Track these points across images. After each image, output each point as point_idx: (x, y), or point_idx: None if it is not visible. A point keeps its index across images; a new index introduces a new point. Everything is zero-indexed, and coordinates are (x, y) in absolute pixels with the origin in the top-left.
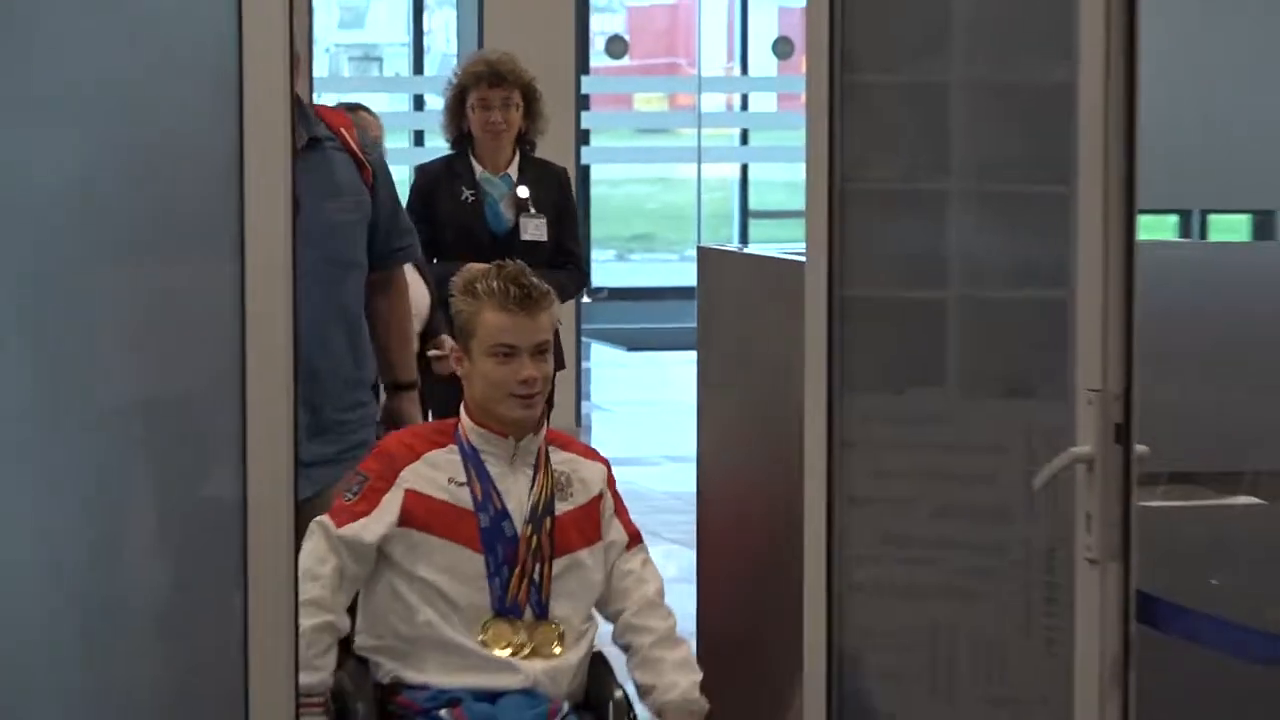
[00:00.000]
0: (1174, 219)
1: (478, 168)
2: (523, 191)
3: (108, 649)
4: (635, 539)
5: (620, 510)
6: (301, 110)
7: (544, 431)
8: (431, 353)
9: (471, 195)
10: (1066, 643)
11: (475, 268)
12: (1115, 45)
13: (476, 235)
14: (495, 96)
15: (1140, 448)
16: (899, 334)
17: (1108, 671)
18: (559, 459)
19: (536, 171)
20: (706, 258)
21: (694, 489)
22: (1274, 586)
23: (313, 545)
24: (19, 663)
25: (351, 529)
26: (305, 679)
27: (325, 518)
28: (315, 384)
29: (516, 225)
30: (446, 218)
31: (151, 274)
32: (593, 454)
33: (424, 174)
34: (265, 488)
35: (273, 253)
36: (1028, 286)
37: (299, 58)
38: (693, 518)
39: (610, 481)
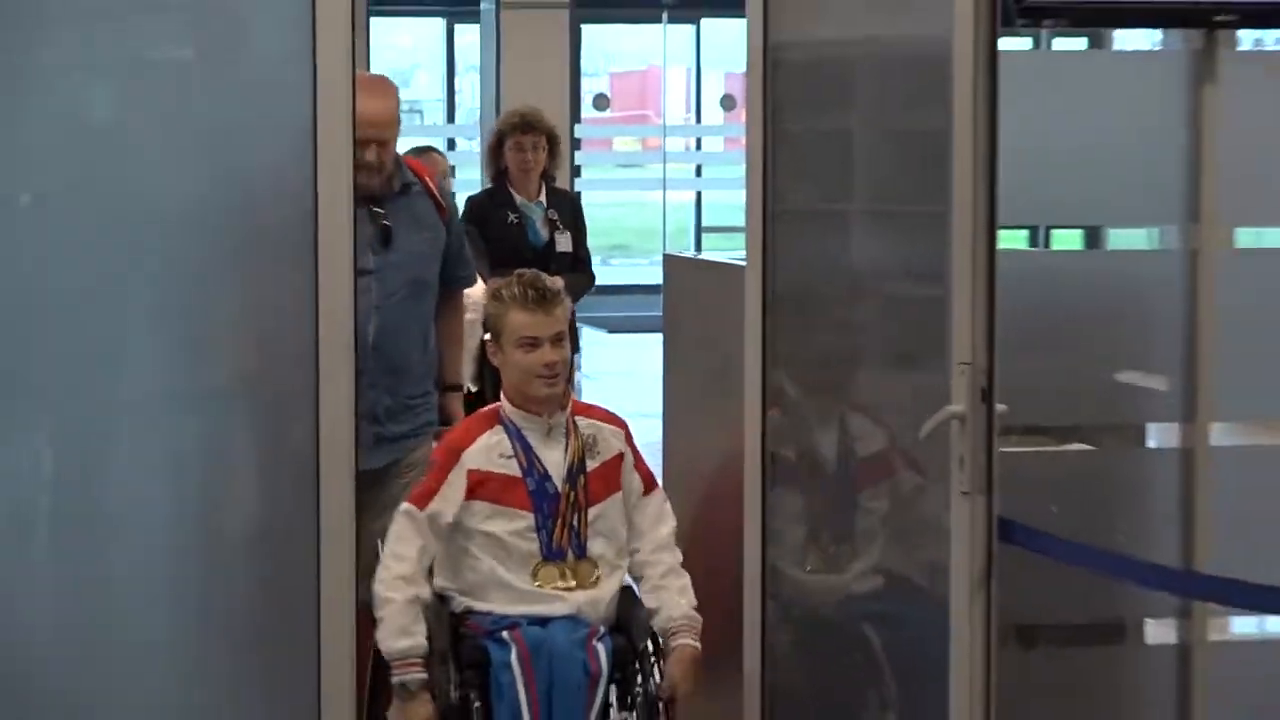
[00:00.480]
0: (1024, 233)
1: (516, 197)
2: (552, 214)
3: (216, 558)
4: (651, 484)
5: (639, 462)
6: (398, 163)
7: (570, 405)
8: None
9: (515, 218)
10: (945, 555)
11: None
12: (980, 102)
13: (522, 250)
14: (527, 141)
15: (1000, 406)
16: (816, 320)
17: (976, 578)
18: (585, 424)
19: (557, 197)
20: (670, 262)
21: (660, 438)
22: (1099, 511)
23: (398, 529)
24: (149, 572)
25: (432, 508)
26: (404, 643)
27: (408, 505)
28: (396, 376)
29: (550, 240)
30: (497, 237)
31: (253, 279)
32: (612, 418)
33: (473, 203)
34: (332, 438)
35: (339, 266)
36: (914, 284)
37: (396, 123)
38: (659, 459)
39: (629, 439)
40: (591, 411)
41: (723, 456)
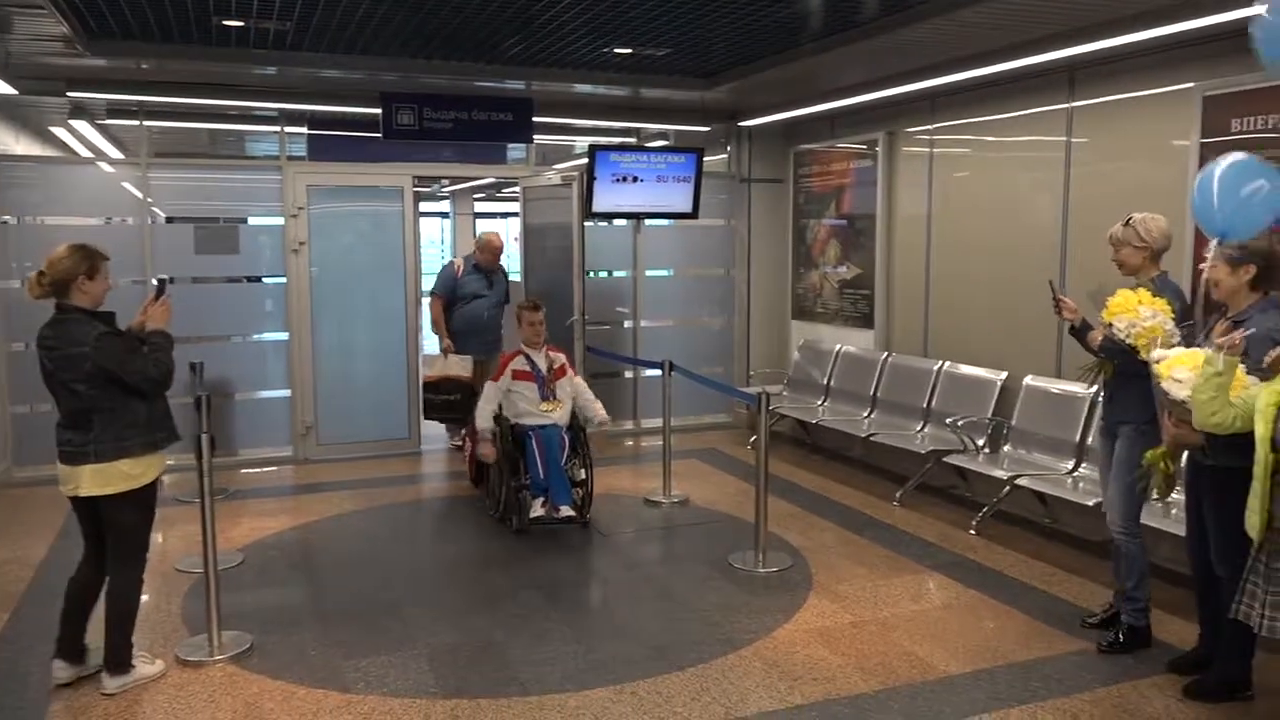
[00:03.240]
0: (592, 272)
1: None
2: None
3: (381, 356)
4: (575, 374)
5: (571, 365)
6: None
7: (546, 347)
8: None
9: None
10: (574, 360)
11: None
12: (579, 239)
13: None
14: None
15: (586, 316)
16: (552, 295)
17: (584, 361)
18: (553, 355)
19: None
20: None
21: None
22: (607, 343)
23: (485, 391)
24: (365, 360)
25: (499, 383)
26: (485, 425)
27: (489, 380)
28: (494, 330)
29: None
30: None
31: (386, 291)
32: (560, 349)
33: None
34: (414, 330)
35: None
36: (564, 287)
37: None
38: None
39: (569, 358)
40: (554, 348)
41: None
